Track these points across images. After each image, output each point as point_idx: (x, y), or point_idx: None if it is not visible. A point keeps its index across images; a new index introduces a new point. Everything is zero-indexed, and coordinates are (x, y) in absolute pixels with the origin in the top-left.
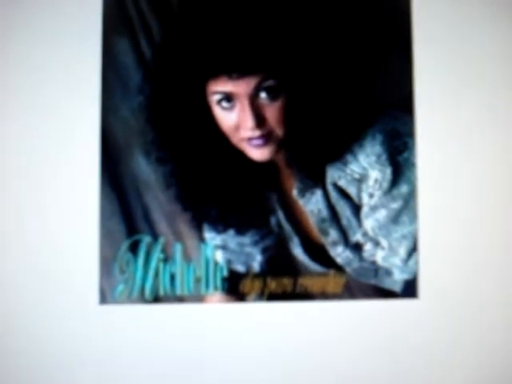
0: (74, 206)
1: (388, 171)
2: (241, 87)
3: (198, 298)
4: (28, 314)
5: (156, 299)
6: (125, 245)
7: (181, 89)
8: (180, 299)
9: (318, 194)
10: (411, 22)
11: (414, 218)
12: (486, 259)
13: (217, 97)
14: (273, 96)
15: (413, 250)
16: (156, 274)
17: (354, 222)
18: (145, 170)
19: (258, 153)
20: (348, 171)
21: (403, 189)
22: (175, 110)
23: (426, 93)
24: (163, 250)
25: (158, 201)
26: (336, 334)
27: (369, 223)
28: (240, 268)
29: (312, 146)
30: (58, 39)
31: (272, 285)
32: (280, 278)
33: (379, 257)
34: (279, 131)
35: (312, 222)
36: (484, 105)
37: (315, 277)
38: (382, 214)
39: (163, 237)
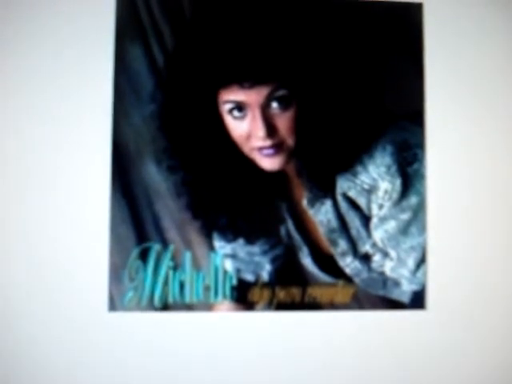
0: (85, 212)
1: (398, 182)
2: (252, 97)
3: (207, 307)
4: (38, 320)
5: (165, 307)
6: (135, 252)
7: (192, 97)
8: (189, 307)
9: (328, 204)
10: (423, 34)
11: (422, 229)
12: (494, 271)
13: (228, 106)
14: (284, 106)
15: (421, 261)
16: (165, 282)
17: (363, 232)
18: (156, 177)
19: (269, 162)
20: (358, 182)
21: (412, 200)
22: (187, 118)
23: (436, 105)
24: (173, 258)
25: (169, 209)
26: (344, 343)
27: (378, 234)
28: (249, 277)
29: (322, 156)
30: (71, 46)
31: (281, 294)
32: (289, 287)
33: (388, 268)
34: (290, 141)
35: (321, 233)
36: (494, 117)
37: (324, 287)
38: (391, 225)
39: (173, 245)
